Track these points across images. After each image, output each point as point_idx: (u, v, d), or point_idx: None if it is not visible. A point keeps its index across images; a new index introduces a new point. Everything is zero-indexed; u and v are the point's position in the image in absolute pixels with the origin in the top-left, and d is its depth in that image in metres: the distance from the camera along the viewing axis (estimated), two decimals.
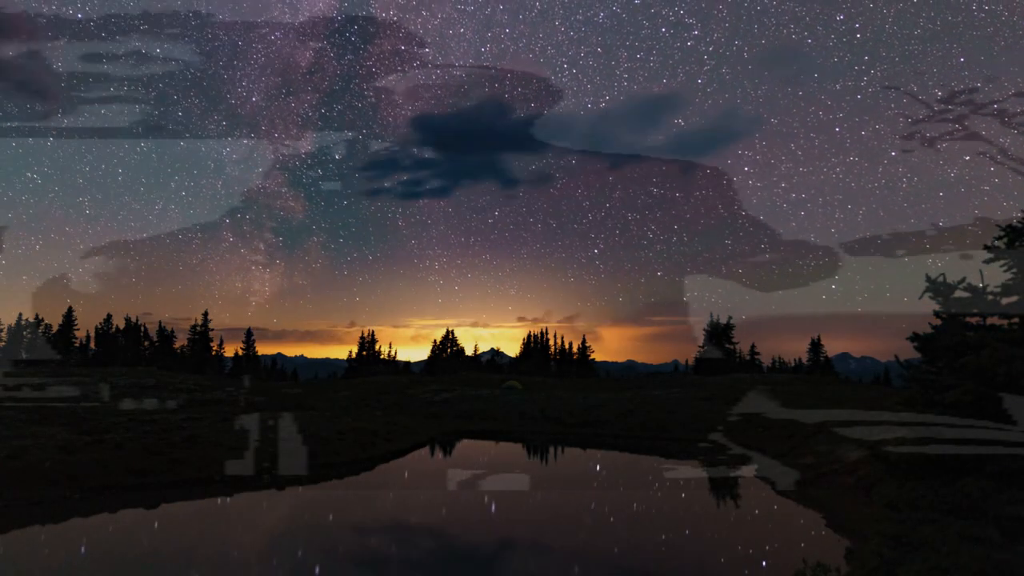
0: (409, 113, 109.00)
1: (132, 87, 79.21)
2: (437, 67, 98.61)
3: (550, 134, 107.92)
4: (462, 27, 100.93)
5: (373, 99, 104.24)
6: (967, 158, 78.84)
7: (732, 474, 20.24)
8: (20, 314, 62.58)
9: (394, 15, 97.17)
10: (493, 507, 15.49)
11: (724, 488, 18.10)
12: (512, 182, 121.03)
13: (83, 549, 11.17)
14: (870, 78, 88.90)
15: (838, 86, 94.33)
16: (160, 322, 65.98)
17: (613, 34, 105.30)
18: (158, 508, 14.01)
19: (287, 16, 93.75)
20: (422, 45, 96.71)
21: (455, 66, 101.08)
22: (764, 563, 10.79)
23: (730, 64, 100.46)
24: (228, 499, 15.23)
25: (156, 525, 12.92)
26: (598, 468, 22.18)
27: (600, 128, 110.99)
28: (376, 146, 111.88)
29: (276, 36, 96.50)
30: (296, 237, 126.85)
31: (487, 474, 19.87)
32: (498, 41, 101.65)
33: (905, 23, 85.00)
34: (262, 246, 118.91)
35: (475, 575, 10.37)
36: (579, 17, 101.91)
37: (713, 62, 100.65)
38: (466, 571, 10.46)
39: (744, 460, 22.13)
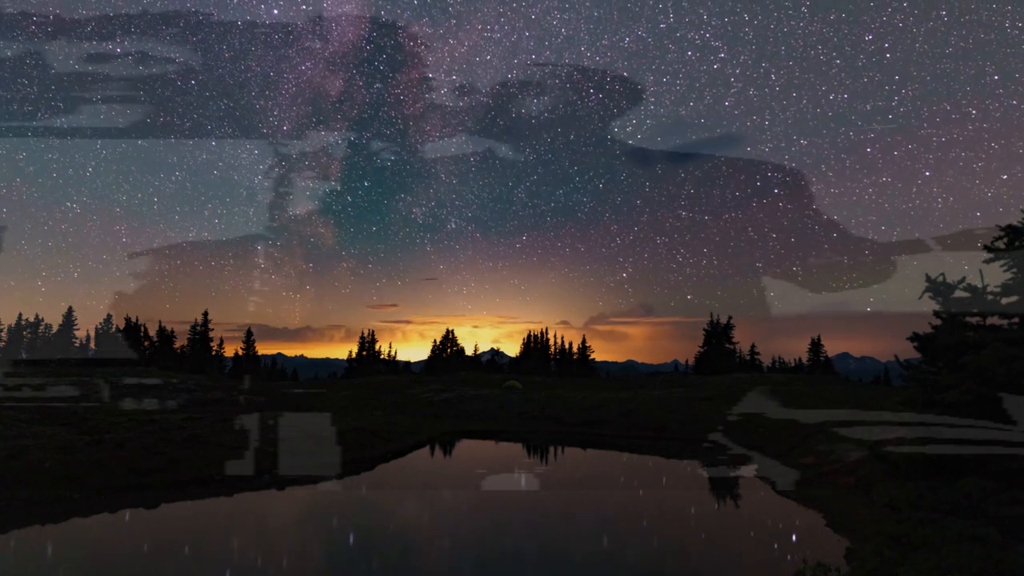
0: (437, 138, 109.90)
1: (136, 89, 79.27)
2: (465, 94, 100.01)
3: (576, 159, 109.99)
4: (488, 54, 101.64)
5: (401, 126, 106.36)
6: (1004, 177, 78.29)
7: (732, 474, 20.23)
8: (20, 314, 62.66)
9: (422, 44, 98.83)
10: (493, 508, 15.48)
11: (724, 488, 18.09)
12: (540, 207, 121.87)
13: (83, 549, 11.17)
14: (901, 98, 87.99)
15: (868, 107, 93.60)
16: (160, 322, 66.02)
17: (639, 59, 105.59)
18: (158, 508, 14.01)
19: (317, 45, 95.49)
20: (449, 73, 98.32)
21: (482, 92, 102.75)
22: (764, 563, 10.78)
23: (757, 86, 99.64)
24: (228, 499, 15.22)
25: (156, 525, 12.92)
26: (598, 468, 22.17)
27: (627, 152, 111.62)
28: (404, 171, 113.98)
29: (307, 66, 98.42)
30: (327, 261, 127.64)
31: (487, 474, 19.86)
32: (524, 68, 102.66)
33: (936, 42, 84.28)
34: (292, 272, 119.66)
35: (475, 575, 10.37)
36: (604, 42, 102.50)
37: (740, 84, 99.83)
38: (466, 571, 10.45)
39: (744, 460, 22.12)
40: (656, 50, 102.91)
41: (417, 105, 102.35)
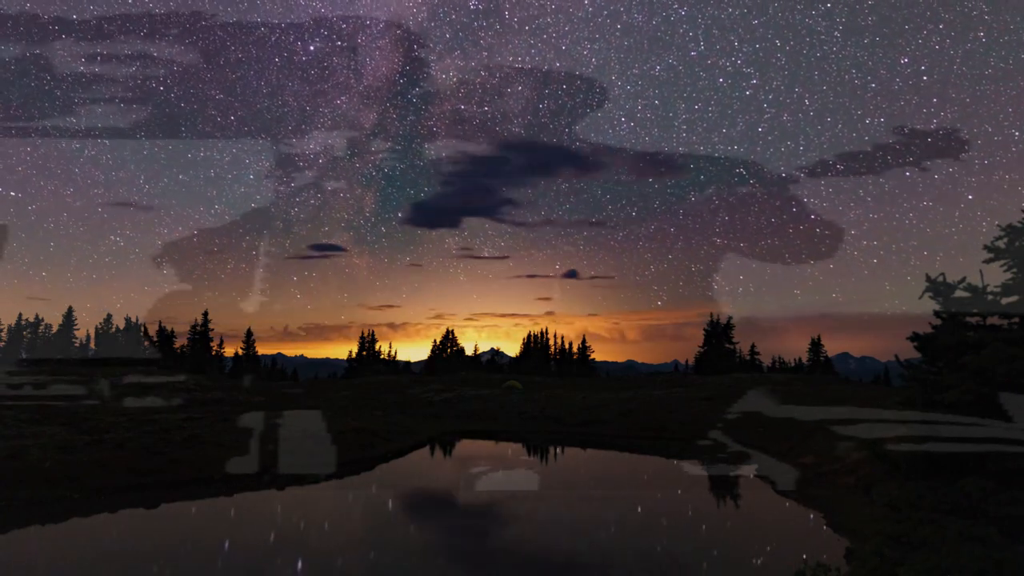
0: (469, 170, 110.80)
1: (138, 90, 79.31)
2: (496, 124, 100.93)
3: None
4: (520, 84, 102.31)
5: (434, 156, 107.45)
6: None
7: (732, 473, 20.22)
8: (20, 314, 62.69)
9: (454, 76, 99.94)
10: (492, 508, 15.47)
11: (724, 487, 18.09)
12: (572, 235, 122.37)
13: (83, 549, 11.17)
14: (940, 120, 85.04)
15: (907, 129, 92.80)
16: (160, 322, 66.00)
17: (670, 87, 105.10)
18: (158, 508, 14.01)
19: (352, 80, 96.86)
20: (481, 104, 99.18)
21: (514, 122, 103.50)
22: (764, 563, 10.78)
23: (791, 111, 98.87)
24: (228, 499, 15.23)
25: (156, 525, 12.92)
26: (598, 468, 22.18)
27: (659, 179, 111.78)
28: (436, 201, 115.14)
29: (342, 100, 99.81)
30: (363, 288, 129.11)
31: (486, 475, 19.86)
32: (555, 97, 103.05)
33: (975, 63, 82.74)
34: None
35: (474, 575, 10.36)
36: (635, 71, 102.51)
37: (773, 110, 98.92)
38: (465, 571, 10.45)
39: (744, 459, 22.11)
40: (687, 78, 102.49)
41: (450, 136, 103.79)
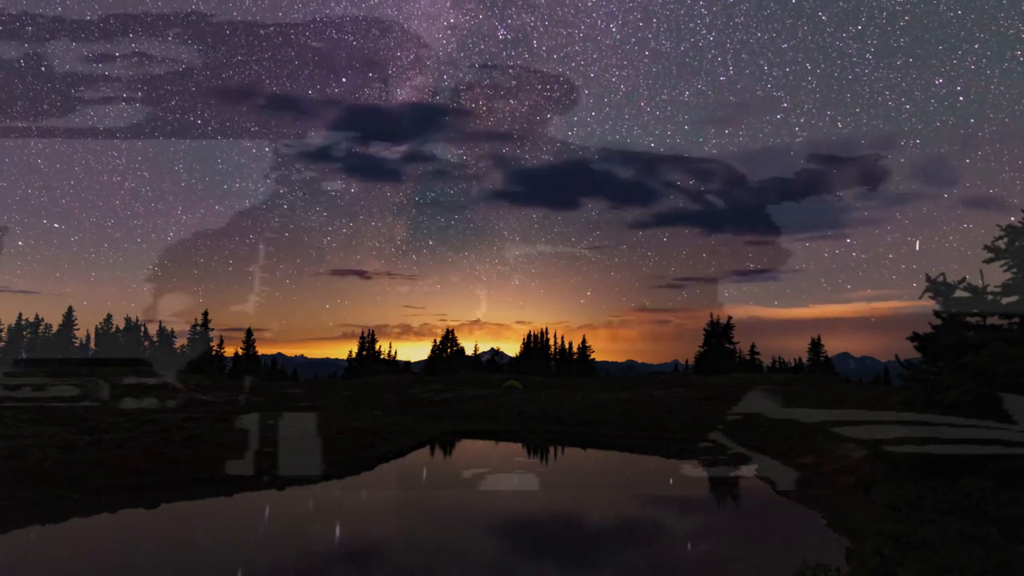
0: (500, 198, 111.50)
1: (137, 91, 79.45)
2: (526, 152, 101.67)
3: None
4: (549, 112, 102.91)
5: (464, 185, 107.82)
6: None
7: (732, 474, 20.22)
8: (20, 314, 62.71)
9: (483, 105, 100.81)
10: (492, 508, 15.47)
11: (725, 488, 18.08)
12: (603, 261, 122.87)
13: (83, 549, 11.16)
14: (979, 141, 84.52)
15: (943, 150, 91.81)
16: (160, 322, 66.01)
17: (699, 111, 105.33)
18: (158, 508, 14.01)
19: (383, 111, 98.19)
20: (509, 134, 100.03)
21: (544, 150, 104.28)
22: (764, 563, 10.78)
23: (823, 134, 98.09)
24: (228, 499, 15.23)
25: (156, 525, 12.91)
26: (598, 468, 22.17)
27: (691, 204, 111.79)
28: (470, 229, 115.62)
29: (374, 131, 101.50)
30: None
31: (486, 475, 19.85)
32: (584, 124, 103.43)
33: (1013, 83, 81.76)
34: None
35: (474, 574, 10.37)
36: (664, 97, 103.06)
37: (806, 134, 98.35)
38: (465, 571, 10.45)
39: (744, 460, 22.10)
40: (716, 102, 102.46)
41: (480, 164, 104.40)
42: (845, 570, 7.31)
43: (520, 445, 26.59)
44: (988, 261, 9.47)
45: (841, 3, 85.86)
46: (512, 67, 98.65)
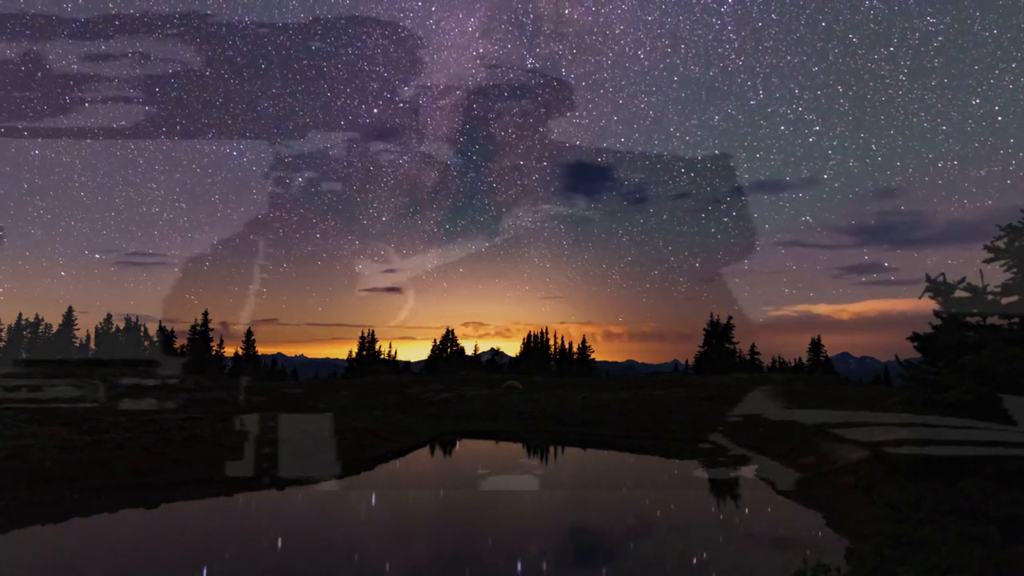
0: (531, 224, 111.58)
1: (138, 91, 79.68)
2: (556, 179, 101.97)
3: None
4: (578, 140, 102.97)
5: (494, 212, 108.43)
6: None
7: (732, 474, 20.21)
8: (20, 314, 62.68)
9: (512, 133, 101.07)
10: (492, 509, 15.47)
11: (725, 488, 18.08)
12: (634, 287, 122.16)
13: (83, 549, 11.16)
14: (1020, 161, 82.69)
15: (982, 172, 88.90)
16: (160, 322, 66.02)
17: (730, 136, 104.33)
18: (158, 508, 14.00)
19: (414, 140, 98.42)
20: (540, 159, 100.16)
21: (573, 175, 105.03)
22: (764, 563, 10.78)
23: (858, 157, 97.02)
24: (228, 499, 15.22)
25: (156, 525, 12.91)
26: (598, 469, 22.17)
27: (726, 230, 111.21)
28: (501, 256, 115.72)
29: (404, 160, 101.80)
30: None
31: (486, 475, 19.85)
32: (614, 151, 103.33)
33: None
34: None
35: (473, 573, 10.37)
36: (693, 121, 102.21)
37: (839, 156, 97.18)
38: (465, 571, 10.45)
39: (744, 460, 22.10)
40: (747, 127, 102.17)
41: (510, 192, 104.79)
42: (845, 570, 7.31)
43: (520, 445, 26.59)
44: (988, 261, 9.47)
45: (872, 25, 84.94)
46: (540, 95, 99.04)
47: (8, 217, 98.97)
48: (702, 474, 20.76)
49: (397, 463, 20.82)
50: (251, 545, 11.63)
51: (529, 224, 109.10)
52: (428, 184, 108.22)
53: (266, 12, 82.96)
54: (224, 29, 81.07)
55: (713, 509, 15.43)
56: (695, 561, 10.95)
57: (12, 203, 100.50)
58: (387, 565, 10.57)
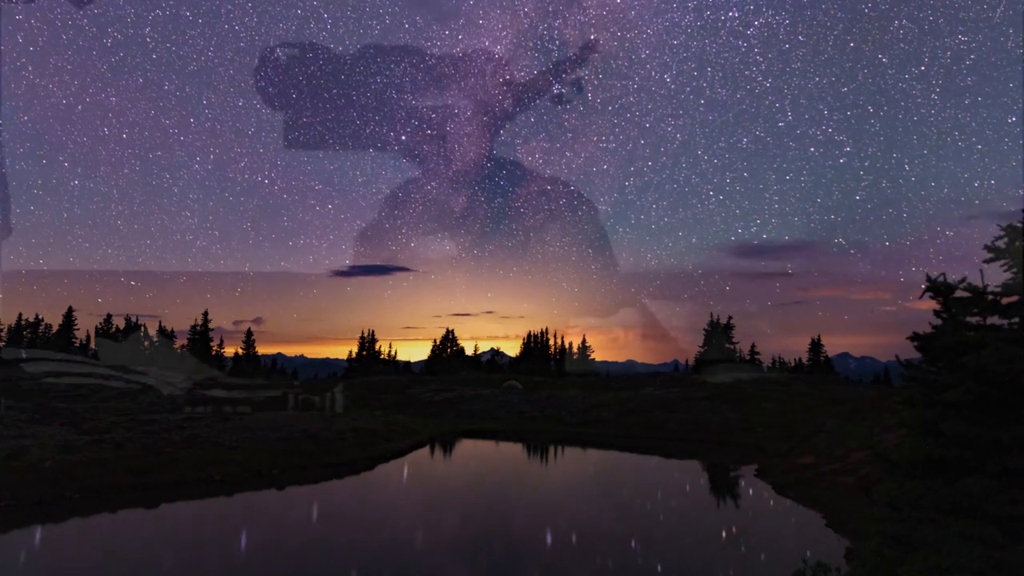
0: (557, 250, 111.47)
1: None
2: (583, 204, 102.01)
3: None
4: (605, 164, 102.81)
5: (522, 237, 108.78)
6: None
7: (732, 473, 20.23)
8: (20, 314, 62.67)
9: (539, 158, 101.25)
10: (492, 508, 15.47)
11: (725, 487, 18.09)
12: (663, 311, 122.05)
13: (82, 549, 11.16)
14: None
15: (1021, 191, 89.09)
16: (160, 322, 66.01)
17: (759, 158, 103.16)
18: (158, 508, 14.01)
19: (442, 167, 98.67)
20: (567, 184, 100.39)
21: (601, 200, 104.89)
22: (764, 562, 10.78)
23: (890, 178, 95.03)
24: (228, 499, 15.23)
25: (156, 525, 12.91)
26: (598, 468, 22.17)
27: (751, 253, 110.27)
28: (528, 280, 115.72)
29: (432, 186, 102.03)
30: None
31: (486, 476, 19.87)
32: (641, 174, 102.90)
33: None
34: None
35: (473, 574, 10.37)
36: (721, 144, 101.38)
37: (871, 178, 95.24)
38: (465, 571, 10.45)
39: (744, 459, 22.11)
40: (776, 148, 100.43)
41: (537, 216, 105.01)
42: (845, 570, 7.31)
43: (520, 445, 26.60)
44: (988, 261, 9.46)
45: (902, 45, 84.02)
46: (567, 120, 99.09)
47: (48, 245, 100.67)
48: (702, 473, 20.77)
49: (397, 463, 20.82)
50: (252, 545, 11.62)
51: (557, 248, 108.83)
52: (456, 209, 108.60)
53: (297, 43, 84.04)
54: (257, 61, 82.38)
55: (713, 509, 15.43)
56: (695, 561, 10.95)
57: (52, 233, 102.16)
58: (387, 566, 10.57)
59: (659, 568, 10.48)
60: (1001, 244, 8.52)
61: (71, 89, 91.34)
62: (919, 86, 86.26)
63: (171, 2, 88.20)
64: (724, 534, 12.84)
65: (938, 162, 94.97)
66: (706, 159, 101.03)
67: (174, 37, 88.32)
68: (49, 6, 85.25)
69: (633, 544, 11.85)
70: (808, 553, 9.31)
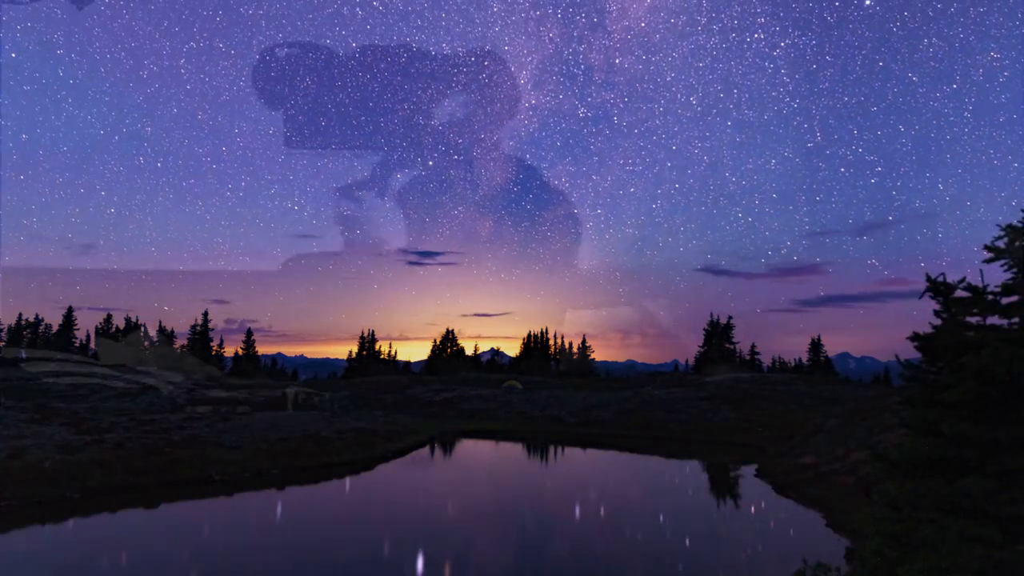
0: (585, 274, 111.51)
1: None
2: (610, 227, 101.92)
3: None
4: (632, 187, 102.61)
5: (549, 261, 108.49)
6: None
7: (732, 473, 20.23)
8: (20, 314, 62.66)
9: (566, 182, 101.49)
10: (492, 508, 15.48)
11: (725, 487, 18.09)
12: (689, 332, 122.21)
13: (82, 549, 11.17)
14: None
15: None
16: (160, 322, 65.98)
17: (788, 179, 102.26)
18: (158, 508, 14.01)
19: (468, 192, 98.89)
20: (594, 207, 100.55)
21: (628, 223, 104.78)
22: (764, 562, 10.78)
23: (924, 198, 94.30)
24: (228, 499, 15.22)
25: (156, 525, 12.91)
26: (598, 468, 22.18)
27: (781, 272, 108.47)
28: (554, 305, 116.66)
29: (459, 211, 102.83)
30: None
31: (486, 476, 19.87)
32: (668, 197, 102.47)
33: None
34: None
35: (472, 574, 10.37)
36: (749, 166, 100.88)
37: (904, 197, 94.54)
38: (466, 571, 10.44)
39: (744, 459, 22.11)
40: (805, 169, 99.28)
41: (564, 240, 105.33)
42: (845, 570, 7.31)
43: (520, 445, 26.60)
44: (988, 261, 9.47)
45: (933, 63, 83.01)
46: (593, 143, 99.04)
47: (86, 272, 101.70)
48: (702, 473, 20.78)
49: (397, 463, 20.82)
50: (251, 545, 11.63)
51: (586, 269, 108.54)
52: (483, 233, 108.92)
53: (326, 73, 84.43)
54: (287, 89, 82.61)
55: (713, 509, 15.43)
56: (695, 561, 10.95)
57: (88, 259, 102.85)
58: (387, 566, 10.57)
59: (659, 568, 10.48)
60: (1001, 244, 8.52)
61: (108, 120, 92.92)
62: (951, 104, 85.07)
63: (205, 35, 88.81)
64: (724, 534, 12.84)
65: (972, 180, 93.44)
66: (733, 180, 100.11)
67: (207, 68, 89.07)
68: (88, 40, 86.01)
69: (632, 544, 11.85)
70: (808, 553, 9.31)
